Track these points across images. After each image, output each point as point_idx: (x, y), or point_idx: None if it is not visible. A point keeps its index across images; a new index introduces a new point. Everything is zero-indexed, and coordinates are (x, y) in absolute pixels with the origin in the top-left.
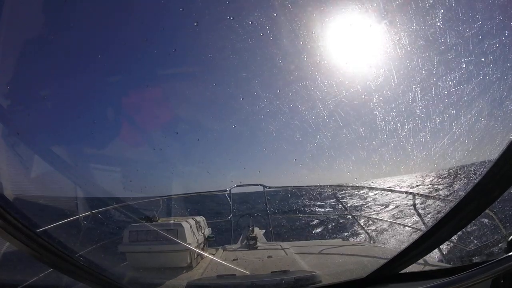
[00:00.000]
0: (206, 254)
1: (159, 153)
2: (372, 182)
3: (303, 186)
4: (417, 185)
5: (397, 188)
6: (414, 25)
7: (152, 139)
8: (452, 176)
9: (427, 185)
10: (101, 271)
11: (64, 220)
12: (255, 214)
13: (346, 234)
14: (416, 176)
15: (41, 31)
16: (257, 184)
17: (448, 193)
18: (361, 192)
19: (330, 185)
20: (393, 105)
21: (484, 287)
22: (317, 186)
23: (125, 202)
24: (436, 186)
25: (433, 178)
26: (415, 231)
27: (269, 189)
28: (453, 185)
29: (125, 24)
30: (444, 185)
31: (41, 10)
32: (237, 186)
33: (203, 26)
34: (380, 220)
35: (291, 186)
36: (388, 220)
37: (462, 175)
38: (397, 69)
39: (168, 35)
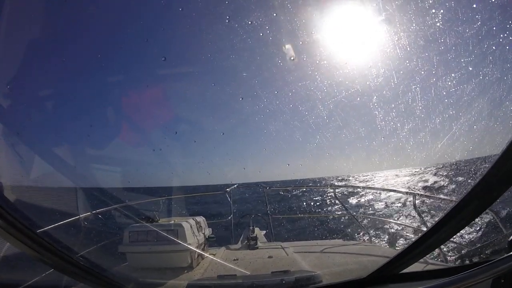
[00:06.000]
0: (206, 255)
1: (159, 153)
2: (374, 174)
3: (304, 186)
4: (415, 185)
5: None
6: (414, 25)
7: (151, 139)
8: (452, 176)
9: (427, 183)
10: (102, 271)
11: (64, 221)
12: (254, 216)
13: (346, 234)
14: (414, 173)
15: (42, 31)
16: (258, 184)
17: (448, 193)
18: (362, 192)
19: (330, 185)
20: (393, 105)
21: (484, 287)
22: (317, 185)
23: (125, 203)
24: (436, 186)
25: (432, 177)
26: (415, 231)
27: (269, 189)
28: (453, 185)
29: (125, 24)
30: (444, 185)
31: (42, 10)
32: (237, 186)
33: (202, 26)
34: (380, 220)
35: (291, 186)
36: (388, 220)
37: (462, 175)
38: (397, 69)
39: (168, 35)
